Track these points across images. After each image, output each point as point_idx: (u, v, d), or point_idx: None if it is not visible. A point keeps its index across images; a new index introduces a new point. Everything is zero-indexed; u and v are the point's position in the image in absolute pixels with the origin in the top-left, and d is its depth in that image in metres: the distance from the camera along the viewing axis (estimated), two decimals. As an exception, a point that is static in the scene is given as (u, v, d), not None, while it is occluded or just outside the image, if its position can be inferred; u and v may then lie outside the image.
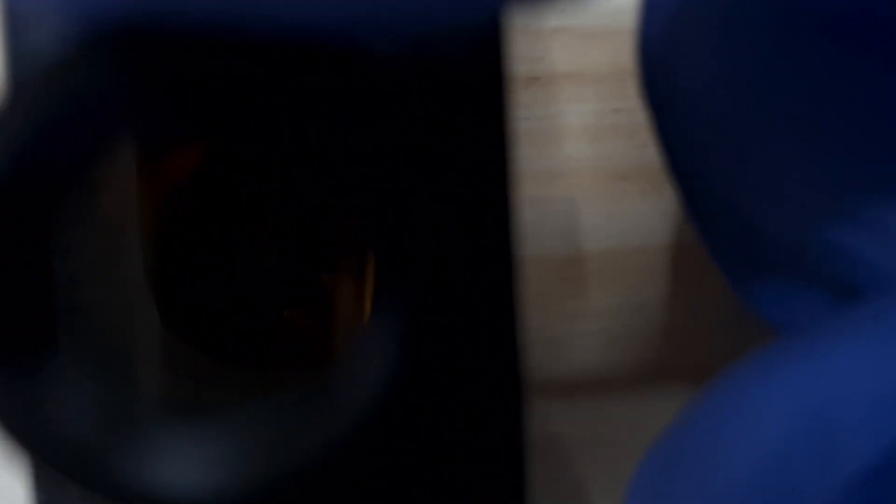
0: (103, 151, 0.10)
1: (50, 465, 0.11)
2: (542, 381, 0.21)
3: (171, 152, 0.12)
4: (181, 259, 0.14)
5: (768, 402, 0.12)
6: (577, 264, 0.21)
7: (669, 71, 0.15)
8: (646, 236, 0.22)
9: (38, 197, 0.10)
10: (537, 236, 0.21)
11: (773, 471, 0.11)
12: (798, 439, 0.11)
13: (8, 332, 0.11)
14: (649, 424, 0.21)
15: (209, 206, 0.14)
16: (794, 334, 0.14)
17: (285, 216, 0.14)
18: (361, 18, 0.09)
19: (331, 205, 0.13)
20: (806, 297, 0.15)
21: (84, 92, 0.10)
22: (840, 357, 0.12)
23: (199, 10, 0.09)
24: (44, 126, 0.10)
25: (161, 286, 0.13)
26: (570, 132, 0.21)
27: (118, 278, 0.13)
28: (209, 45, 0.09)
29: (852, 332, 0.12)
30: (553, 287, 0.21)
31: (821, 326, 0.13)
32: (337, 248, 0.13)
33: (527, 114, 0.20)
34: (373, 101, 0.10)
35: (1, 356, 0.11)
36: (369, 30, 0.09)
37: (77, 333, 0.11)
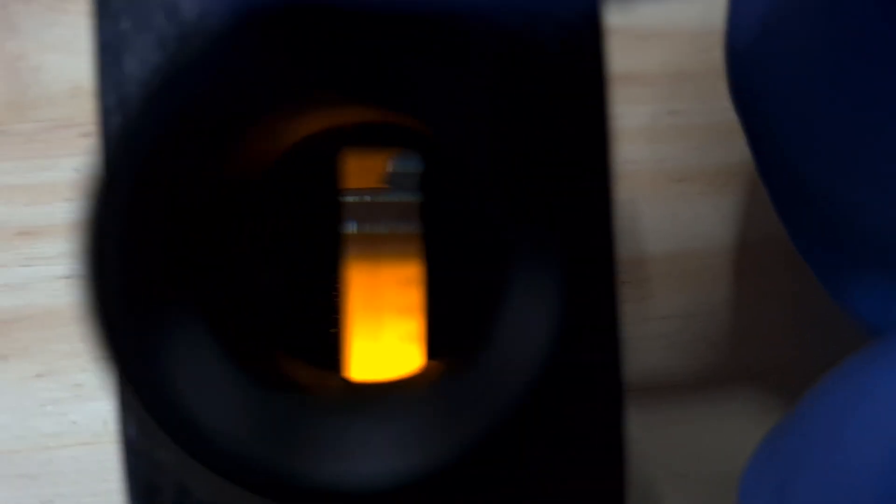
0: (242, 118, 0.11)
1: (207, 468, 0.11)
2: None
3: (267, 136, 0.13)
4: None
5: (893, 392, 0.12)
6: (639, 267, 0.21)
7: (760, 67, 0.15)
8: (707, 238, 0.22)
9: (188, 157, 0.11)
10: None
11: None
12: None
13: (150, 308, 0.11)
14: (718, 425, 0.21)
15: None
16: None
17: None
18: (477, 7, 0.09)
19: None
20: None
21: (232, 66, 0.10)
22: None
23: None
24: (196, 90, 0.10)
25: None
26: (628, 134, 0.21)
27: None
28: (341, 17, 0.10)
29: None
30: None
31: None
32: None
33: (583, 116, 0.21)
34: (479, 90, 0.11)
35: (141, 329, 0.11)
36: (478, 17, 0.10)
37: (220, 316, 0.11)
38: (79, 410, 0.21)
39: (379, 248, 0.14)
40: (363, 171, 0.14)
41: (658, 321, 0.21)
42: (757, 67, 0.15)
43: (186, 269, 0.11)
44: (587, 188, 0.12)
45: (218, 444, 0.11)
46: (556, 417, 0.13)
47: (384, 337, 0.14)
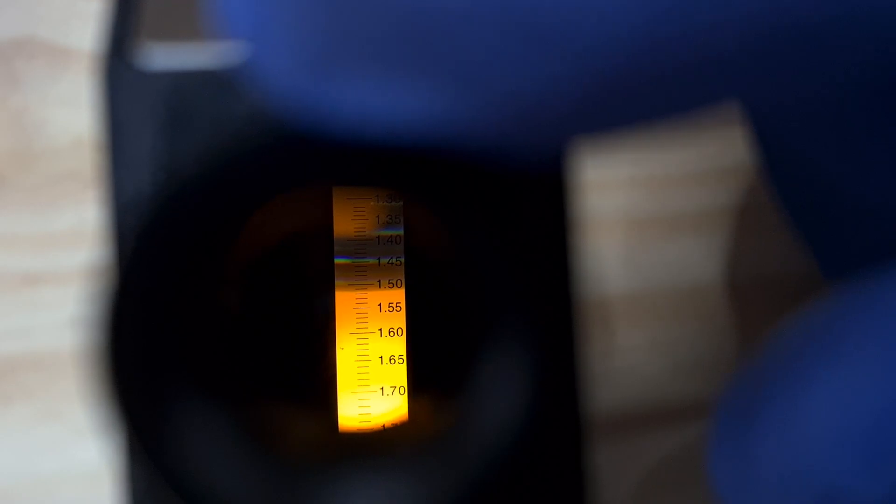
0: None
1: None
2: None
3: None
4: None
5: (859, 338, 0.12)
6: (603, 306, 0.23)
7: None
8: (667, 278, 0.23)
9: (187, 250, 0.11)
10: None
11: (865, 401, 0.12)
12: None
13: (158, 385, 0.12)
14: (678, 456, 0.22)
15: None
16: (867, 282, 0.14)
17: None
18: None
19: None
20: (880, 259, 0.15)
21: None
22: None
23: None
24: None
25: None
26: (592, 184, 0.23)
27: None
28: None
29: None
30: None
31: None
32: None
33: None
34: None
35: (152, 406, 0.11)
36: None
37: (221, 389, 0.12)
38: (81, 451, 0.21)
39: (366, 287, 0.15)
40: (351, 212, 0.15)
41: (621, 356, 0.23)
42: None
43: (194, 335, 0.12)
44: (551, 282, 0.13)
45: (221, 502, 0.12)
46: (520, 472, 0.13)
47: (371, 366, 0.15)
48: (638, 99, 0.10)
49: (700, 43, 0.09)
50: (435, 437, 0.12)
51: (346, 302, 0.15)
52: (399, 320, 0.15)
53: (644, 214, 0.23)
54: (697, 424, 0.22)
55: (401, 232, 0.15)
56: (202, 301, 0.12)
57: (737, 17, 0.09)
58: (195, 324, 0.12)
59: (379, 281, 0.15)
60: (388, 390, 0.15)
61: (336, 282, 0.15)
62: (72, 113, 0.21)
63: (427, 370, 0.15)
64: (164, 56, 0.13)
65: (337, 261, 0.15)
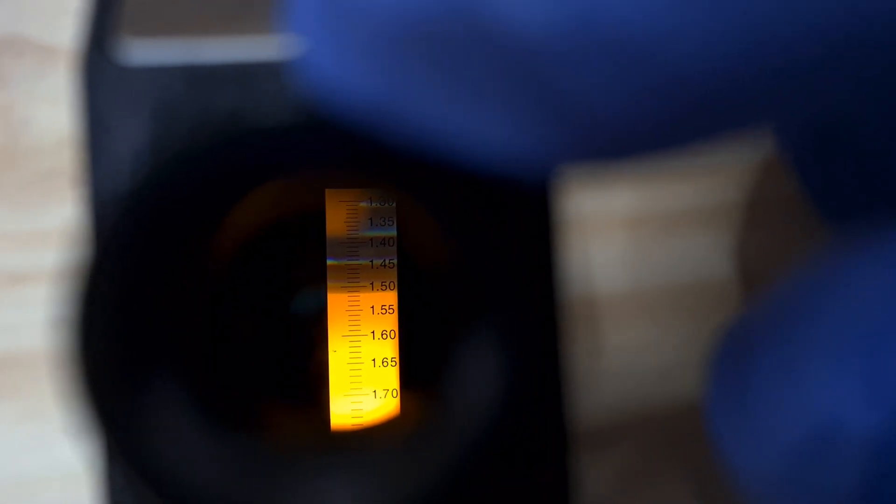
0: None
1: None
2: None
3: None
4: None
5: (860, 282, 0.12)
6: (590, 306, 0.23)
7: None
8: (657, 277, 0.23)
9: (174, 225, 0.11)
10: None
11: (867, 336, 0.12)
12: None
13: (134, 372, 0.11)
14: (671, 459, 0.22)
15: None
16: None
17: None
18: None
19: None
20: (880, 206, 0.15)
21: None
22: None
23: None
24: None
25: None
26: (581, 181, 0.22)
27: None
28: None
29: None
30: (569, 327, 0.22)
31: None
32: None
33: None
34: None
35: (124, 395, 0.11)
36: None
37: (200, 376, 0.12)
38: (65, 450, 0.21)
39: (359, 290, 0.15)
40: (344, 213, 0.15)
41: (608, 357, 0.22)
42: None
43: (171, 331, 0.12)
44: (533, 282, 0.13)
45: (200, 497, 0.12)
46: (502, 467, 0.13)
47: (364, 368, 0.15)
48: (694, 122, 0.10)
49: (772, 57, 0.09)
50: (422, 435, 0.12)
51: (338, 304, 0.15)
52: (391, 323, 0.15)
53: (639, 212, 0.23)
54: (689, 423, 0.22)
55: (393, 234, 0.15)
56: (184, 298, 0.12)
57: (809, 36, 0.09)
58: (177, 321, 0.12)
59: (371, 283, 0.15)
60: (380, 393, 0.15)
61: (329, 284, 0.15)
62: (58, 111, 0.21)
63: (418, 371, 0.15)
64: (146, 51, 0.13)
65: (329, 262, 0.15)
